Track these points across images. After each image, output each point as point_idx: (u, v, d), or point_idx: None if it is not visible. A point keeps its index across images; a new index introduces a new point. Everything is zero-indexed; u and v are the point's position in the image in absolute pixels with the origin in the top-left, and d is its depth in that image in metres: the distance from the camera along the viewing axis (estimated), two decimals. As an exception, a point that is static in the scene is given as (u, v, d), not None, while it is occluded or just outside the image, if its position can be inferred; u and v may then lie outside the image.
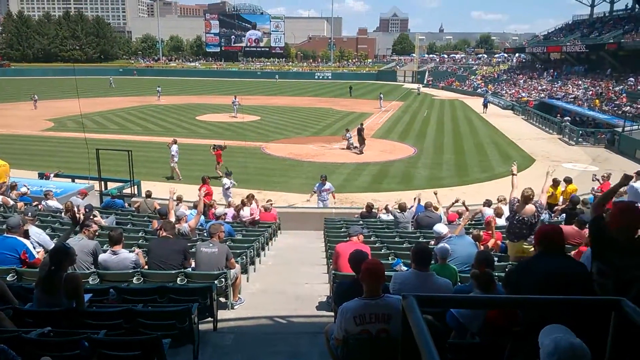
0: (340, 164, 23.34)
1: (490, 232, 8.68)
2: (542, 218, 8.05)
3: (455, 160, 24.95)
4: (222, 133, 30.64)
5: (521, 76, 63.81)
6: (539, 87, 53.86)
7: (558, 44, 59.58)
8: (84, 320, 4.61)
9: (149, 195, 13.53)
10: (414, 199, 13.18)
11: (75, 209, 10.08)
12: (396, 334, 3.65)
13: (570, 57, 58.45)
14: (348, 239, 7.18)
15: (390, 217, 12.48)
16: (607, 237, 3.48)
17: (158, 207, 11.32)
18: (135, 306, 4.98)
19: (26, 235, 6.86)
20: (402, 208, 11.76)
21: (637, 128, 28.66)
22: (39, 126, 33.34)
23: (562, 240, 3.57)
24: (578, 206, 10.53)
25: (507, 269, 6.39)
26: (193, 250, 7.30)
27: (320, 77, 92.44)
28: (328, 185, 16.01)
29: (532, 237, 7.30)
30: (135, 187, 16.38)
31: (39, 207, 11.91)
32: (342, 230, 11.05)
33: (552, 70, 59.15)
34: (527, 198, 7.52)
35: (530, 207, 7.51)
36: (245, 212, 12.28)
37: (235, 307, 6.98)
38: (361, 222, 12.10)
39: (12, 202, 11.88)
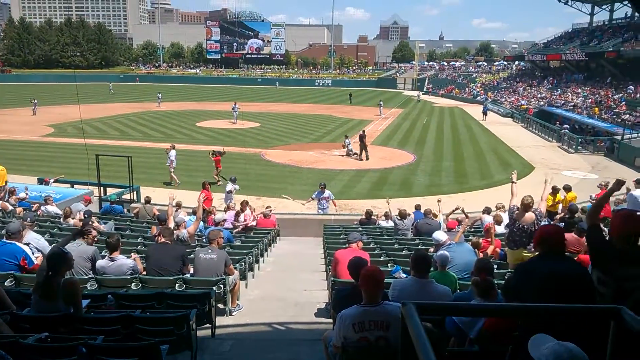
0: (340, 171, 23.35)
1: (489, 239, 8.67)
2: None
3: (454, 167, 24.97)
4: (222, 139, 30.67)
5: (521, 84, 63.99)
6: (539, 95, 54.00)
7: (557, 52, 59.80)
8: (81, 326, 4.59)
9: (148, 201, 13.52)
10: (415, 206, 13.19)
11: (78, 217, 10.09)
12: (395, 341, 3.64)
13: (570, 65, 58.65)
14: (347, 245, 7.16)
15: (390, 224, 12.47)
16: (606, 245, 3.47)
17: (157, 213, 11.32)
18: (134, 312, 4.95)
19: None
20: (402, 215, 11.75)
21: (637, 136, 28.75)
22: (38, 132, 33.37)
23: (563, 242, 3.53)
24: (577, 214, 10.52)
25: (506, 277, 6.38)
26: (192, 256, 7.29)
27: (321, 84, 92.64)
28: (327, 193, 15.99)
29: (532, 245, 7.30)
30: (135, 192, 16.38)
31: (38, 212, 11.89)
32: (341, 237, 11.04)
33: (551, 78, 59.32)
34: (526, 206, 7.52)
35: (530, 215, 7.51)
36: (240, 219, 12.26)
37: (233, 314, 6.96)
38: (360, 229, 12.09)
39: (10, 207, 11.85)
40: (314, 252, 12.07)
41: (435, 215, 11.64)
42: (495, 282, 4.72)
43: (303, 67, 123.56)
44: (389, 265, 7.91)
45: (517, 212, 7.62)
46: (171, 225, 8.79)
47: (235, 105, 39.60)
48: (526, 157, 27.81)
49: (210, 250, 6.95)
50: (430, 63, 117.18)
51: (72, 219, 10.77)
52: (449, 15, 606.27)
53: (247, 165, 23.42)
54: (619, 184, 4.72)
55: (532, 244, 7.27)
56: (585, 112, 40.59)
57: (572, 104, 44.70)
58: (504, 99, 58.41)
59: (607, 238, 3.74)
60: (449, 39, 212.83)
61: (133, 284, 6.39)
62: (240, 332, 6.44)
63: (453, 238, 7.63)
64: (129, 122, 39.03)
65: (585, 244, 6.50)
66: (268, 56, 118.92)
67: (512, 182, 8.09)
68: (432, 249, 7.83)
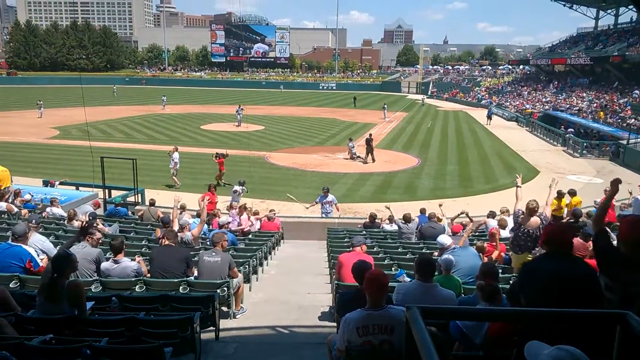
0: (344, 174, 23.35)
1: (494, 243, 8.64)
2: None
3: (459, 171, 24.93)
4: (227, 142, 30.71)
5: (525, 88, 63.90)
6: (543, 99, 53.89)
7: (562, 56, 59.70)
8: (86, 328, 4.59)
9: (152, 203, 13.55)
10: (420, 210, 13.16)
11: (83, 218, 10.12)
12: (399, 345, 3.62)
13: (575, 69, 58.53)
14: (351, 249, 7.15)
15: (394, 228, 12.45)
16: (613, 251, 3.44)
17: (161, 216, 11.35)
18: (138, 314, 4.96)
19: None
20: (406, 219, 11.73)
21: (642, 140, 28.61)
22: (44, 134, 33.52)
23: (570, 241, 3.48)
24: (581, 219, 10.48)
25: (511, 281, 6.36)
26: (196, 258, 7.30)
27: (325, 88, 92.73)
28: (330, 197, 15.94)
29: (537, 249, 7.28)
30: (139, 195, 16.41)
31: (43, 214, 11.94)
32: (345, 240, 11.03)
33: (556, 82, 59.21)
34: (531, 210, 7.51)
35: (535, 220, 7.49)
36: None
37: (237, 317, 6.96)
38: (364, 232, 12.08)
39: (16, 209, 11.91)
40: (317, 255, 12.07)
41: (440, 219, 11.62)
42: (500, 286, 4.71)
43: (307, 70, 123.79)
44: (392, 269, 7.89)
45: (522, 216, 7.60)
46: (176, 227, 8.81)
47: (239, 108, 39.71)
48: (531, 161, 27.73)
49: (214, 253, 6.95)
50: (435, 67, 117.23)
51: (77, 221, 10.80)
52: (454, 19, 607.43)
53: (251, 168, 23.45)
54: (615, 183, 4.49)
55: (537, 248, 7.25)
56: (591, 117, 40.47)
57: (577, 108, 44.58)
58: (508, 103, 58.32)
59: (614, 243, 3.71)
60: (453, 42, 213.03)
61: (137, 286, 6.41)
62: (244, 335, 6.44)
63: (457, 242, 7.61)
64: (134, 125, 39.16)
65: (591, 248, 6.46)
66: (272, 59, 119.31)
67: (517, 186, 8.07)
68: (436, 253, 7.82)
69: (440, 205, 12.64)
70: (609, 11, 58.99)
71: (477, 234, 11.64)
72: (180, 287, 6.41)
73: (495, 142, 35.27)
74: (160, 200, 14.90)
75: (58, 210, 12.33)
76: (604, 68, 52.35)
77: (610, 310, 2.91)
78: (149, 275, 6.77)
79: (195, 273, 6.98)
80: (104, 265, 6.64)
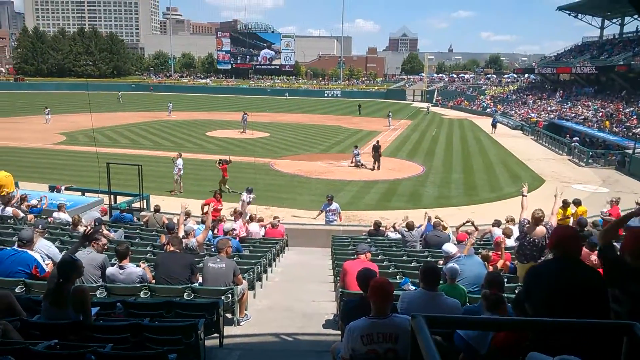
0: (348, 182, 23.35)
1: (499, 252, 8.61)
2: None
3: (464, 179, 24.88)
4: (232, 149, 30.80)
5: (530, 96, 63.85)
6: (549, 108, 53.82)
7: (568, 65, 59.68)
8: (90, 334, 4.60)
9: (157, 209, 13.58)
10: (425, 214, 13.09)
11: (88, 226, 10.14)
12: (404, 354, 3.62)
13: (580, 78, 58.48)
14: (355, 256, 7.14)
15: (398, 236, 12.42)
16: (620, 263, 3.42)
17: (166, 222, 11.36)
18: (142, 320, 4.96)
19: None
20: (410, 227, 11.71)
21: (648, 150, 28.49)
22: (50, 140, 33.73)
23: (579, 245, 3.42)
24: (586, 228, 10.43)
25: (516, 291, 6.33)
26: (200, 265, 7.30)
27: (330, 95, 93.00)
28: (334, 205, 15.90)
29: (542, 259, 7.24)
30: (145, 201, 16.46)
31: (49, 219, 11.98)
32: (350, 248, 11.01)
33: (561, 91, 59.15)
34: (537, 219, 7.48)
35: (540, 229, 7.46)
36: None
37: (241, 324, 6.95)
38: (369, 240, 12.06)
39: (22, 214, 11.96)
40: (322, 262, 12.05)
41: (445, 228, 11.59)
42: (506, 296, 4.69)
43: (312, 78, 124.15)
44: (397, 277, 7.87)
45: (527, 225, 7.57)
46: (181, 234, 8.83)
47: (245, 114, 39.86)
48: (536, 170, 27.64)
49: (218, 260, 6.96)
50: (440, 75, 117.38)
51: (82, 226, 10.84)
52: (458, 28, 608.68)
53: (256, 175, 23.49)
54: None
55: (542, 258, 7.22)
56: (596, 126, 40.37)
57: (583, 117, 44.48)
58: (513, 112, 58.28)
59: (619, 254, 3.68)
60: (458, 51, 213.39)
61: (142, 292, 6.41)
62: (248, 342, 6.43)
63: (462, 250, 7.59)
64: (139, 131, 39.35)
65: (594, 259, 6.41)
66: (278, 67, 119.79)
67: (523, 195, 8.05)
68: (441, 262, 7.80)
69: (437, 217, 12.50)
70: (614, 21, 59.05)
71: (482, 242, 11.60)
72: (185, 294, 6.41)
73: (500, 150, 35.22)
74: (165, 206, 14.95)
75: (64, 216, 12.38)
76: (610, 77, 52.29)
77: (617, 321, 2.88)
78: (153, 281, 6.78)
79: (200, 279, 6.98)
80: (110, 270, 6.66)
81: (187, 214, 11.78)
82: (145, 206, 16.30)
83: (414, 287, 6.36)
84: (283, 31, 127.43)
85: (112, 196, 15.92)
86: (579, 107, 49.21)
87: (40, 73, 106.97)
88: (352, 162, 26.93)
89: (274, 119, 51.44)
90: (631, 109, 42.30)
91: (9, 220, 11.57)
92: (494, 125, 45.94)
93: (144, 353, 4.30)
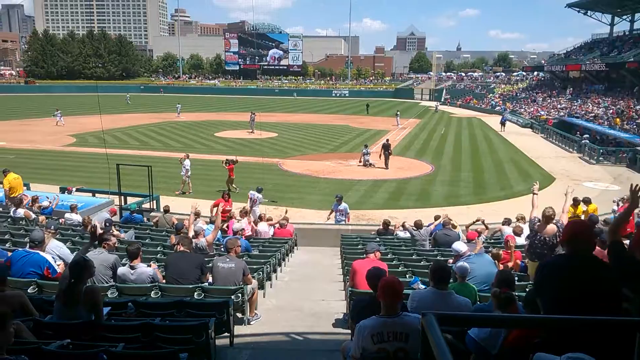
0: (357, 181, 23.32)
1: (509, 251, 8.56)
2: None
3: (473, 178, 24.76)
4: (240, 149, 30.88)
5: (540, 94, 63.39)
6: (558, 106, 53.40)
7: (577, 63, 59.18)
8: (102, 333, 4.64)
9: (167, 210, 13.64)
10: (435, 217, 13.07)
11: (98, 226, 10.21)
12: (414, 353, 3.61)
13: (590, 75, 57.97)
14: (365, 256, 7.14)
15: (408, 235, 12.40)
16: (628, 260, 3.38)
17: (176, 222, 11.42)
18: (153, 320, 5.00)
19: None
20: (418, 225, 11.68)
21: (660, 147, 28.20)
22: (61, 141, 34.02)
23: (592, 239, 3.34)
24: (597, 225, 10.33)
25: (527, 289, 6.29)
26: (210, 265, 7.33)
27: (338, 95, 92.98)
28: (343, 206, 15.85)
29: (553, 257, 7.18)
30: (154, 202, 16.54)
31: (60, 220, 12.08)
32: (359, 247, 11.00)
33: (571, 89, 58.67)
34: (548, 218, 7.42)
35: (551, 227, 7.40)
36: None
37: (251, 323, 6.97)
38: (378, 239, 12.03)
39: (33, 216, 12.07)
40: (331, 262, 12.06)
41: (454, 226, 11.54)
42: (516, 294, 4.66)
43: (320, 77, 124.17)
44: (407, 276, 7.85)
45: (538, 223, 7.52)
46: (190, 234, 8.87)
47: (252, 114, 39.96)
48: (546, 168, 27.45)
49: (228, 259, 6.98)
50: (448, 74, 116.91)
51: (90, 226, 10.90)
52: (466, 26, 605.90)
53: (264, 175, 23.53)
54: (635, 193, 4.10)
55: (553, 256, 7.16)
56: (607, 123, 39.98)
57: (593, 114, 44.08)
58: (523, 110, 57.87)
59: (627, 250, 3.64)
60: (466, 49, 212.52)
61: (153, 292, 6.45)
62: (258, 341, 6.45)
63: (472, 249, 7.56)
64: (149, 132, 39.57)
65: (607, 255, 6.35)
66: (285, 67, 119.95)
67: (534, 194, 7.99)
68: (451, 260, 7.77)
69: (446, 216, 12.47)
70: (624, 17, 58.44)
71: (492, 241, 11.55)
72: (195, 293, 6.44)
73: (509, 148, 35.01)
74: (175, 207, 15.02)
75: (76, 217, 12.46)
76: (620, 74, 51.78)
77: (629, 318, 2.86)
78: (164, 281, 6.82)
79: (210, 279, 7.01)
80: (121, 270, 6.71)
81: (197, 214, 11.84)
82: (155, 207, 16.39)
83: (423, 286, 6.34)
84: (290, 31, 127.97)
85: (122, 197, 16.02)
86: (589, 104, 48.77)
87: (50, 76, 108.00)
88: (360, 161, 26.89)
89: (282, 119, 51.50)
90: (642, 105, 41.85)
91: (21, 222, 11.68)
92: (502, 124, 45.70)
93: (156, 352, 4.33)
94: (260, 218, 14.04)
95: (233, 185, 20.64)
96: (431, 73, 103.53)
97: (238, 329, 6.48)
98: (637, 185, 4.14)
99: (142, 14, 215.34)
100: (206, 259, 7.69)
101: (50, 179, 20.96)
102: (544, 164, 28.51)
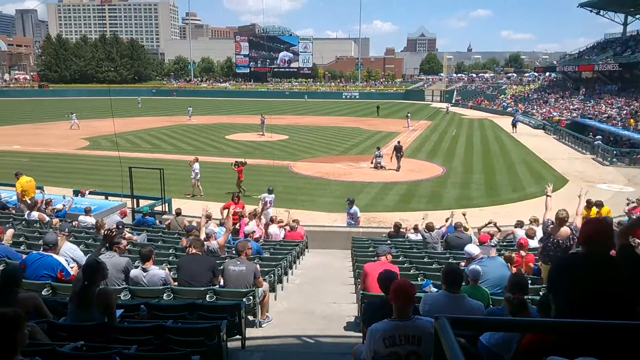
0: (368, 183, 23.28)
1: (522, 254, 8.49)
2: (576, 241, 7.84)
3: (485, 180, 24.58)
4: (251, 152, 31.00)
5: (552, 95, 62.86)
6: (571, 106, 52.92)
7: (590, 63, 58.64)
8: (115, 336, 4.67)
9: (178, 213, 13.72)
10: (446, 219, 12.97)
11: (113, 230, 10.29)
12: (427, 357, 3.58)
13: (603, 75, 57.36)
14: (376, 258, 7.12)
15: (419, 237, 12.34)
16: (637, 263, 3.32)
17: (187, 225, 11.47)
18: (166, 322, 5.02)
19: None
20: (430, 228, 11.63)
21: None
22: (74, 145, 34.38)
23: (610, 239, 3.22)
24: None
25: (540, 292, 6.23)
26: (221, 267, 7.35)
27: (348, 97, 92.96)
28: (354, 209, 15.80)
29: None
30: (166, 204, 16.64)
31: (74, 223, 12.20)
32: (370, 249, 10.97)
33: (584, 89, 58.11)
34: (561, 220, 7.34)
35: (565, 230, 7.32)
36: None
37: (263, 326, 6.97)
38: (389, 242, 12.00)
39: (47, 218, 12.20)
40: (342, 264, 12.04)
41: (466, 229, 11.47)
42: (529, 298, 4.61)
43: (330, 80, 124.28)
44: (419, 279, 7.82)
45: (551, 226, 7.44)
46: (203, 236, 8.91)
47: (262, 117, 40.10)
48: (559, 169, 27.16)
49: (239, 262, 6.99)
50: (459, 75, 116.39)
51: (103, 230, 10.99)
52: (477, 27, 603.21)
53: (275, 177, 23.58)
54: None
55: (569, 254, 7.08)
56: (621, 124, 39.53)
57: (606, 115, 43.61)
58: (535, 111, 57.43)
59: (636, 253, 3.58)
60: (477, 50, 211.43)
61: (165, 294, 6.48)
62: (270, 344, 6.45)
63: (484, 252, 7.50)
64: (160, 135, 39.85)
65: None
66: (296, 69, 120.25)
67: (547, 196, 7.91)
68: (463, 263, 7.72)
69: (464, 214, 12.42)
70: (637, 16, 57.79)
71: (504, 243, 11.46)
72: (207, 296, 6.46)
73: (521, 150, 34.73)
74: (187, 209, 15.08)
75: (90, 219, 12.57)
76: (633, 74, 51.21)
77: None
78: (175, 283, 6.85)
79: (222, 282, 7.03)
80: (134, 272, 6.75)
81: (208, 217, 11.89)
82: (167, 209, 16.49)
83: (435, 289, 6.30)
84: (300, 34, 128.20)
85: (134, 200, 16.13)
86: (602, 105, 48.27)
87: (64, 80, 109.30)
88: (371, 163, 26.83)
89: (292, 121, 51.59)
90: (657, 106, 41.35)
91: (35, 225, 11.81)
92: (514, 125, 45.34)
93: (168, 354, 4.35)
94: (272, 220, 14.05)
95: (242, 187, 20.71)
96: (442, 74, 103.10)
97: (250, 332, 6.49)
98: None
99: (153, 18, 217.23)
100: (217, 262, 7.72)
101: (63, 182, 21.17)
102: (556, 166, 28.23)
